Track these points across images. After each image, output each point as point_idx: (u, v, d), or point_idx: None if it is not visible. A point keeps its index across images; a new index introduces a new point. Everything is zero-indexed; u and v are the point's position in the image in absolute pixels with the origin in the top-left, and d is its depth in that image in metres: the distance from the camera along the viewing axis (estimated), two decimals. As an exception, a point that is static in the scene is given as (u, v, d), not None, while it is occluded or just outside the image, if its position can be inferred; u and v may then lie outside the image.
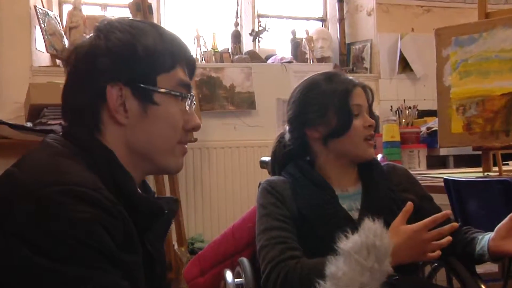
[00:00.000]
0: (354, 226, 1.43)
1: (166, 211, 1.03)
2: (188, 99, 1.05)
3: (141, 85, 1.00)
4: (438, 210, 1.64)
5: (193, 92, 1.09)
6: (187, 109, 1.04)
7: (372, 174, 1.60)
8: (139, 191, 1.03)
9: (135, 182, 1.02)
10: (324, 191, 1.54)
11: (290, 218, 1.51)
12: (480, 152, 2.29)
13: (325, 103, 1.58)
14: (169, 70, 1.03)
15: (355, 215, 1.52)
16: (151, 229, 1.02)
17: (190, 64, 1.08)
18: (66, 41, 3.67)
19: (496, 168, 2.29)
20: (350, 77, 1.64)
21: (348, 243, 1.10)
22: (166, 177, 3.33)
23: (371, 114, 1.63)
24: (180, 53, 1.06)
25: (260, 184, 1.67)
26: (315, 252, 1.40)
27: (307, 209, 1.50)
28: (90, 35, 1.03)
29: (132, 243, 0.92)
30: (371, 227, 1.11)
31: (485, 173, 2.25)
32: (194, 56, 3.98)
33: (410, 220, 1.51)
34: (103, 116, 1.00)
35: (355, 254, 1.07)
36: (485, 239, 1.50)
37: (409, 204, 1.41)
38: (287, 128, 1.69)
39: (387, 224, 1.17)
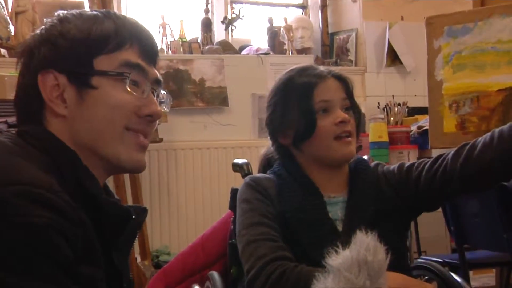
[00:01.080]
0: (339, 236, 1.45)
1: (133, 216, 1.03)
2: (127, 78, 1.05)
3: (75, 70, 1.02)
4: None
5: (158, 77, 1.11)
6: (128, 89, 1.04)
7: (358, 180, 1.60)
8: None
9: (100, 185, 1.03)
10: (312, 195, 1.54)
11: (276, 218, 1.51)
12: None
13: (287, 104, 1.58)
14: (111, 51, 1.04)
15: (339, 225, 1.52)
16: (118, 240, 1.02)
17: (143, 44, 1.09)
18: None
19: (492, 171, 2.32)
20: (321, 69, 1.61)
21: (337, 259, 1.10)
22: (127, 182, 3.31)
23: (353, 106, 1.61)
24: (129, 34, 1.07)
25: (232, 189, 1.67)
26: (297, 260, 1.41)
27: (291, 212, 1.51)
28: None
29: (93, 254, 0.92)
30: (363, 241, 1.10)
31: (481, 177, 2.27)
32: (160, 47, 3.97)
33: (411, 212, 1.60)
34: (45, 110, 1.03)
35: (344, 271, 1.07)
36: None
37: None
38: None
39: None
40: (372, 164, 1.66)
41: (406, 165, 1.59)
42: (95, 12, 1.08)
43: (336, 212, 1.54)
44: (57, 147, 1.00)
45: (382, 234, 1.18)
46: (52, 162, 0.96)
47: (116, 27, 1.06)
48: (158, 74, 1.13)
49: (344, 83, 1.60)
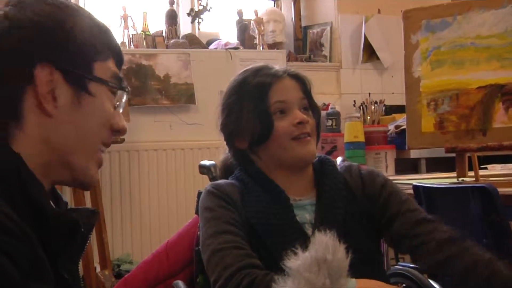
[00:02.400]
0: (308, 241, 1.47)
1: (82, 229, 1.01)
2: (125, 93, 1.05)
3: (76, 70, 0.99)
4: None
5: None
6: (116, 105, 1.05)
7: (326, 182, 1.61)
8: (51, 203, 1.01)
9: (46, 193, 1.01)
10: (277, 199, 1.55)
11: (242, 225, 1.52)
12: (454, 154, 2.36)
13: (242, 106, 1.59)
14: (105, 59, 1.03)
15: (309, 228, 1.54)
16: (65, 251, 1.00)
17: (120, 56, 1.08)
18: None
19: (472, 173, 2.36)
20: (276, 68, 1.63)
21: (297, 260, 1.13)
22: (86, 185, 3.28)
23: (312, 106, 1.62)
24: (112, 42, 1.06)
25: (199, 193, 1.68)
26: (266, 267, 1.42)
27: (257, 218, 1.52)
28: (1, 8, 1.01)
29: (42, 270, 0.89)
30: (322, 240, 1.15)
31: (460, 179, 2.31)
32: (121, 40, 3.96)
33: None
34: (26, 105, 0.97)
35: (304, 271, 1.11)
36: None
37: None
38: None
39: (343, 240, 1.19)
40: (343, 164, 1.68)
41: (391, 191, 1.61)
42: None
43: (304, 215, 1.55)
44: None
45: (354, 237, 1.21)
46: None
47: (105, 33, 1.05)
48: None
49: (301, 82, 1.62)
